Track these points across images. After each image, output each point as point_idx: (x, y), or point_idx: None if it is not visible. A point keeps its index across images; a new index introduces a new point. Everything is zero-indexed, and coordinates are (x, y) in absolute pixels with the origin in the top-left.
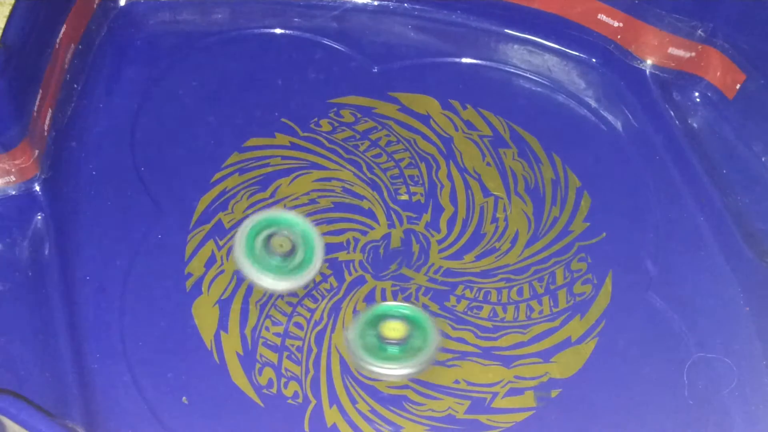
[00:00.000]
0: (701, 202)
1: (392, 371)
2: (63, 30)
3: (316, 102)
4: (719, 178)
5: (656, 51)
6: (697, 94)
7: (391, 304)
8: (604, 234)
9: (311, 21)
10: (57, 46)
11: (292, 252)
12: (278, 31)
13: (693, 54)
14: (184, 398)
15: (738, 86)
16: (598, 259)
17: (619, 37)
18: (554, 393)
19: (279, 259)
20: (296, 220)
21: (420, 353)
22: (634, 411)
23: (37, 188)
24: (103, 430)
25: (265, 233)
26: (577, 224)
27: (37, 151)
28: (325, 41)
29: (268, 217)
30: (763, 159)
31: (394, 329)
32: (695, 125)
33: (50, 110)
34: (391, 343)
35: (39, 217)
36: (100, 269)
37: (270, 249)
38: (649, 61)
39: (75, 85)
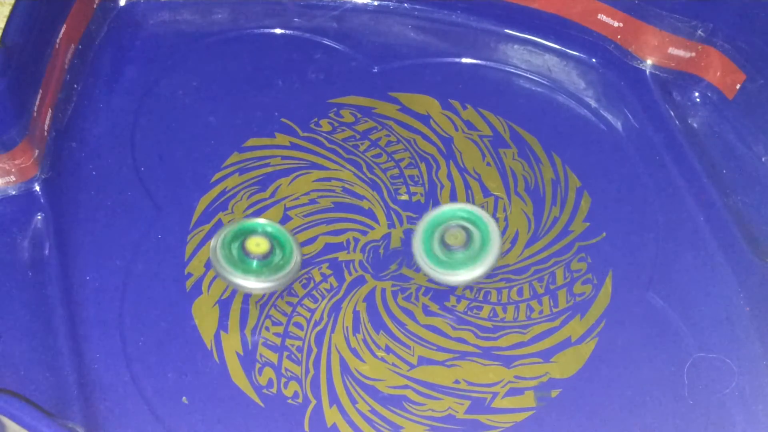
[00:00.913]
0: (701, 201)
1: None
2: (63, 30)
3: (316, 102)
4: (719, 178)
5: (656, 51)
6: (697, 94)
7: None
8: (604, 234)
9: (311, 21)
10: (57, 46)
11: (270, 252)
12: (278, 31)
13: (693, 54)
14: (184, 398)
15: (738, 86)
16: (598, 259)
17: (619, 37)
18: (554, 393)
19: (257, 262)
20: (264, 223)
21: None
22: (634, 411)
23: (37, 188)
24: (102, 429)
25: (238, 240)
26: (577, 224)
27: (37, 151)
28: (325, 41)
29: (237, 227)
30: (763, 159)
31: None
32: (695, 125)
33: (50, 110)
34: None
35: (39, 217)
36: (100, 269)
37: (247, 252)
38: (649, 61)
39: (75, 85)
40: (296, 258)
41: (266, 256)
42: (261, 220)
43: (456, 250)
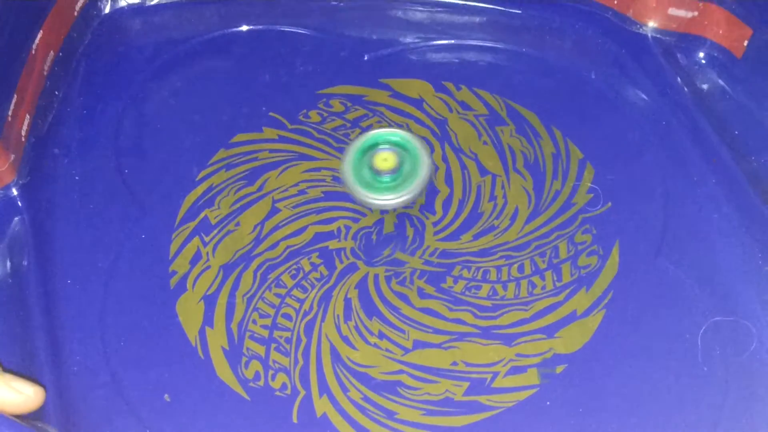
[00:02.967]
0: (712, 163)
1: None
2: (39, 36)
3: (304, 94)
4: (731, 139)
5: (656, 13)
6: (702, 55)
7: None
8: (610, 204)
9: (298, 17)
10: (33, 52)
11: (399, 164)
12: (264, 27)
13: (695, 13)
14: (166, 396)
15: (745, 43)
16: (603, 230)
17: (615, 2)
18: (559, 369)
19: (387, 177)
20: (385, 133)
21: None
22: (646, 382)
23: (15, 193)
24: (82, 428)
25: (368, 155)
26: (580, 196)
27: (13, 156)
28: (313, 33)
29: (366, 139)
30: None
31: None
32: (703, 87)
33: (28, 116)
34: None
35: (17, 222)
36: (82, 271)
37: (376, 169)
38: (650, 25)
39: (56, 92)
40: (425, 162)
41: (396, 170)
42: (381, 131)
43: (385, 174)
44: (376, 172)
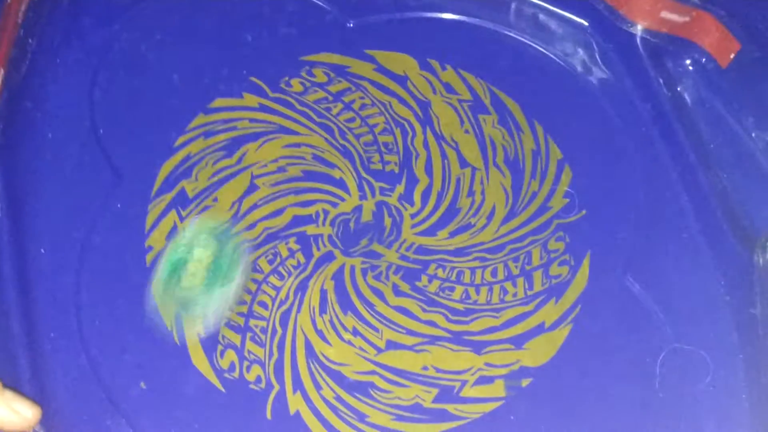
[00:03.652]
0: (686, 180)
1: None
2: None
3: (287, 59)
4: (706, 152)
5: (648, 14)
6: (689, 61)
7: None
8: (584, 212)
9: None
10: (9, 1)
11: (206, 279)
12: None
13: (687, 19)
14: (142, 383)
15: (732, 55)
16: (576, 239)
17: None
18: (525, 382)
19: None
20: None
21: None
22: (604, 402)
23: None
24: (58, 415)
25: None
26: (556, 200)
27: None
28: None
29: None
30: (753, 134)
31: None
32: (685, 94)
33: (2, 70)
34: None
35: None
36: (56, 242)
37: (185, 286)
38: (640, 26)
39: (30, 40)
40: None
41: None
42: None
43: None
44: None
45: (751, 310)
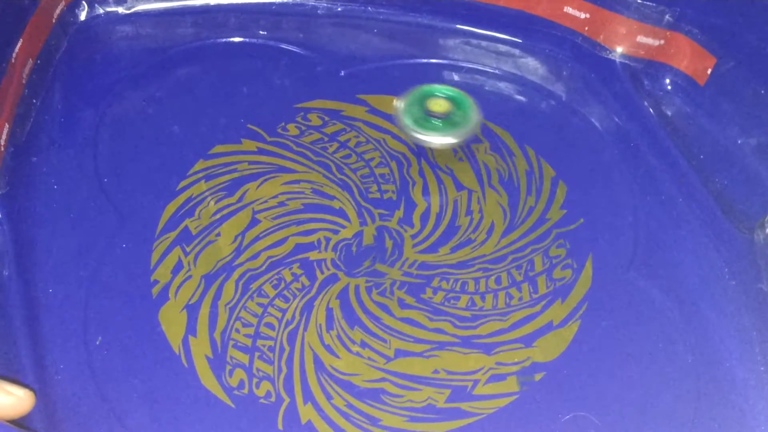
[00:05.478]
0: (680, 183)
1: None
2: (19, 45)
3: (282, 107)
4: (697, 162)
5: (625, 40)
6: (668, 81)
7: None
8: (582, 220)
9: (275, 31)
10: (13, 61)
11: (450, 111)
12: (242, 39)
13: (662, 41)
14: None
15: (709, 71)
16: (576, 245)
17: (586, 28)
18: (537, 376)
19: (439, 120)
20: (444, 88)
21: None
22: (620, 389)
23: None
24: None
25: (421, 103)
26: (554, 212)
27: None
28: (291, 48)
29: (420, 90)
30: (739, 141)
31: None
32: (669, 113)
33: (7, 125)
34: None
35: None
36: (63, 281)
37: (429, 112)
38: (618, 51)
39: (34, 100)
40: (474, 117)
41: (447, 116)
42: (438, 85)
43: (437, 117)
44: (428, 114)
45: (758, 285)
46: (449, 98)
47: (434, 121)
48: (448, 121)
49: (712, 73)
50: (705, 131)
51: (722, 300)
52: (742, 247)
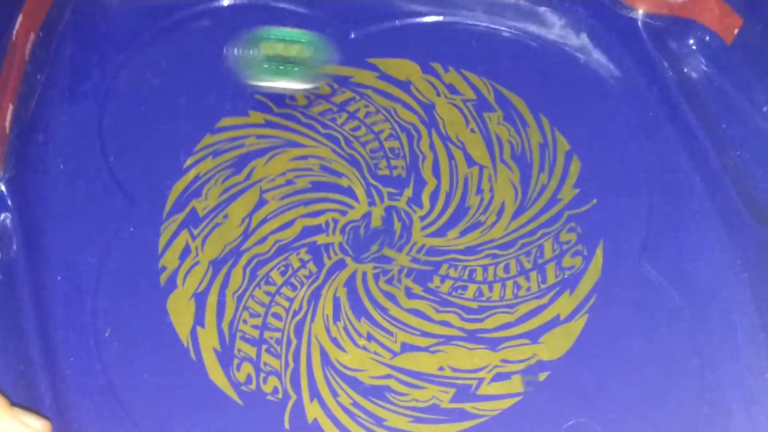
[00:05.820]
0: (698, 160)
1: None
2: (20, 20)
3: None
4: (717, 132)
5: None
6: (692, 41)
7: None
8: (595, 201)
9: None
10: (14, 38)
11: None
12: (247, 2)
13: None
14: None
15: (736, 31)
16: (588, 229)
17: None
18: (542, 376)
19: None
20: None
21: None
22: (626, 389)
23: (2, 188)
24: None
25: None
26: (566, 191)
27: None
28: (299, 9)
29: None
30: (764, 109)
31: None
32: (693, 75)
33: (11, 106)
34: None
35: (5, 218)
36: (72, 268)
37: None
38: (640, 10)
39: (38, 76)
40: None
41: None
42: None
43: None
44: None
45: None
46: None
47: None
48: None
49: (739, 35)
50: (727, 97)
51: (734, 296)
52: (758, 240)
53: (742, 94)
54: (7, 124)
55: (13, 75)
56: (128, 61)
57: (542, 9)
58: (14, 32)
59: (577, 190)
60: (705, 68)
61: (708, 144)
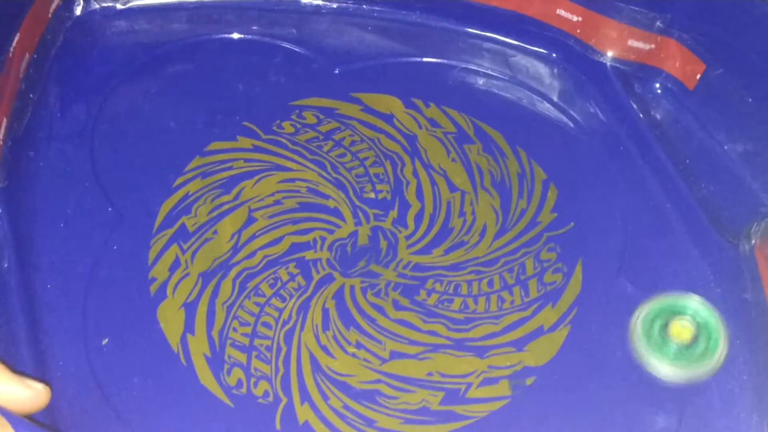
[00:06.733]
0: (667, 189)
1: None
2: (17, 38)
3: (277, 105)
4: (684, 166)
5: (616, 44)
6: (658, 85)
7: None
8: (572, 224)
9: (270, 27)
10: (10, 55)
11: (693, 341)
12: (237, 36)
13: (652, 46)
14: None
15: (698, 76)
16: (567, 249)
17: (578, 31)
18: (529, 381)
19: (676, 346)
20: (699, 308)
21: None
22: (608, 394)
23: None
24: None
25: (663, 318)
26: (544, 215)
27: None
28: (285, 45)
29: (667, 302)
30: (726, 147)
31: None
32: (658, 116)
33: (5, 119)
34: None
35: None
36: (61, 277)
37: (668, 335)
38: (609, 54)
39: (31, 95)
40: (721, 351)
41: (688, 345)
42: (693, 301)
43: (677, 343)
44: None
45: (743, 295)
46: (695, 323)
47: (670, 345)
48: (686, 350)
49: (701, 79)
50: (691, 135)
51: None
52: (728, 255)
53: (705, 133)
54: (1, 135)
55: (8, 90)
56: (119, 87)
57: (514, 53)
58: (11, 49)
59: (555, 215)
60: (670, 110)
61: (677, 174)
